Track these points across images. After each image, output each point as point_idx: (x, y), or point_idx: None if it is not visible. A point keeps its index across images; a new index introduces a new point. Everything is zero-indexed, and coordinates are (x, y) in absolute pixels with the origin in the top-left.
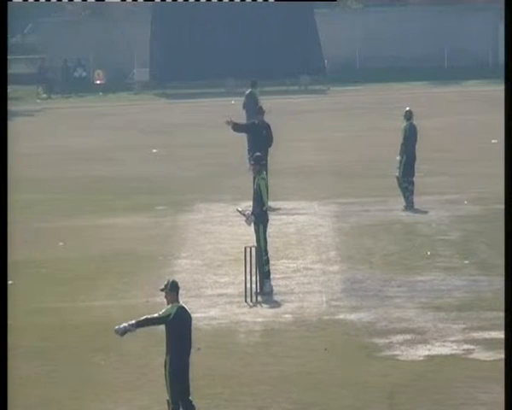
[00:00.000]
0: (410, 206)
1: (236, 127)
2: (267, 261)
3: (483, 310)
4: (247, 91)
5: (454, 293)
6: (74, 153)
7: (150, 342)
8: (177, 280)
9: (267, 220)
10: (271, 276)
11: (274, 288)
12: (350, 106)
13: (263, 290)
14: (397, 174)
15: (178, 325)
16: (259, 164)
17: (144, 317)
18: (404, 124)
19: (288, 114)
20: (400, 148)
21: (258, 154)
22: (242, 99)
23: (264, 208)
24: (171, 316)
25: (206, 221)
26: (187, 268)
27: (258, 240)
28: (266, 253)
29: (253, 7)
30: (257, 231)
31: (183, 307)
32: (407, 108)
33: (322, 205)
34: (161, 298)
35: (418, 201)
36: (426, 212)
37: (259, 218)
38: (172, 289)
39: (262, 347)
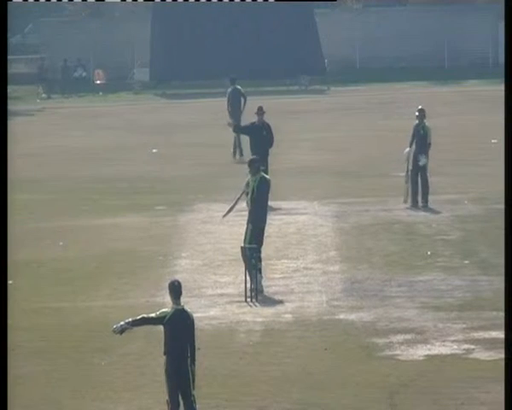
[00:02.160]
0: (415, 205)
1: (237, 129)
2: (260, 259)
3: (483, 310)
4: (230, 89)
5: (454, 293)
6: (74, 153)
7: (150, 343)
8: (179, 282)
9: (263, 223)
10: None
11: (274, 288)
12: (350, 106)
13: (259, 288)
14: (429, 173)
15: (174, 327)
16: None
17: (141, 316)
18: (424, 123)
19: (287, 113)
20: (427, 147)
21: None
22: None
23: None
24: (167, 318)
25: (206, 221)
26: (187, 268)
27: (244, 239)
28: (259, 251)
29: (253, 7)
30: (246, 231)
31: (181, 309)
32: (420, 107)
33: (322, 205)
34: (161, 298)
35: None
36: (426, 212)
37: (252, 219)
38: (170, 291)
39: (262, 347)
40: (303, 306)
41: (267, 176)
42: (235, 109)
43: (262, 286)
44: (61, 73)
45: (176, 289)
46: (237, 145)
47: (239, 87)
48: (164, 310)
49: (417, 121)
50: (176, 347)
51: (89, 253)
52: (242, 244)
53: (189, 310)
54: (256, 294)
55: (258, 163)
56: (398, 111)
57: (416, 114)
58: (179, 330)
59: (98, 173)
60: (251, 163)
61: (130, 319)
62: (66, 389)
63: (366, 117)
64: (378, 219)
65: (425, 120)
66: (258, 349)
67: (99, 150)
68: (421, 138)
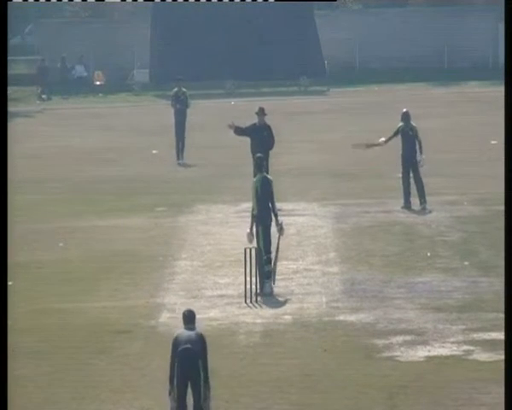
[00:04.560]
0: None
1: (238, 131)
2: (267, 261)
3: (483, 311)
4: (184, 91)
5: (454, 294)
6: (74, 153)
7: (150, 344)
8: (190, 310)
9: (269, 221)
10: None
11: (274, 289)
12: (350, 107)
13: (263, 291)
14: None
15: (185, 348)
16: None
17: (169, 369)
18: (411, 124)
19: (287, 115)
20: (420, 145)
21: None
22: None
23: (254, 212)
24: (178, 337)
25: (206, 222)
26: (187, 269)
27: (257, 241)
28: (266, 253)
29: (253, 7)
30: (256, 232)
31: (194, 330)
32: (405, 110)
33: (321, 206)
34: (161, 299)
35: (417, 202)
36: (425, 213)
37: (258, 219)
38: (184, 319)
39: (262, 348)
40: (303, 307)
41: (269, 176)
42: (181, 111)
43: (272, 288)
44: (59, 70)
45: (187, 317)
46: (179, 148)
47: (184, 89)
48: (176, 334)
49: (402, 124)
50: (187, 369)
51: (89, 254)
52: (255, 246)
53: (201, 332)
54: (261, 296)
55: (262, 162)
56: (397, 112)
57: (400, 122)
58: (191, 350)
59: (98, 174)
60: (255, 162)
61: (169, 385)
62: (66, 389)
63: (366, 118)
64: (377, 221)
65: (411, 121)
66: (257, 350)
67: (99, 151)
68: (411, 138)
